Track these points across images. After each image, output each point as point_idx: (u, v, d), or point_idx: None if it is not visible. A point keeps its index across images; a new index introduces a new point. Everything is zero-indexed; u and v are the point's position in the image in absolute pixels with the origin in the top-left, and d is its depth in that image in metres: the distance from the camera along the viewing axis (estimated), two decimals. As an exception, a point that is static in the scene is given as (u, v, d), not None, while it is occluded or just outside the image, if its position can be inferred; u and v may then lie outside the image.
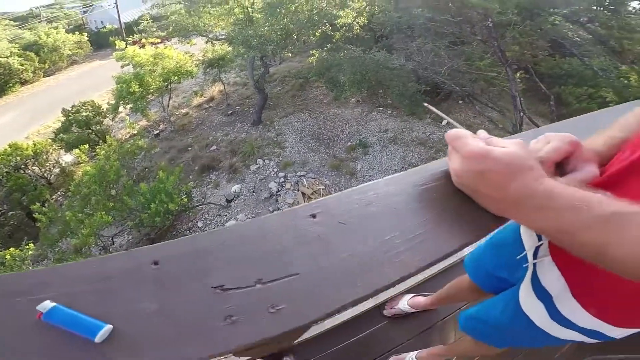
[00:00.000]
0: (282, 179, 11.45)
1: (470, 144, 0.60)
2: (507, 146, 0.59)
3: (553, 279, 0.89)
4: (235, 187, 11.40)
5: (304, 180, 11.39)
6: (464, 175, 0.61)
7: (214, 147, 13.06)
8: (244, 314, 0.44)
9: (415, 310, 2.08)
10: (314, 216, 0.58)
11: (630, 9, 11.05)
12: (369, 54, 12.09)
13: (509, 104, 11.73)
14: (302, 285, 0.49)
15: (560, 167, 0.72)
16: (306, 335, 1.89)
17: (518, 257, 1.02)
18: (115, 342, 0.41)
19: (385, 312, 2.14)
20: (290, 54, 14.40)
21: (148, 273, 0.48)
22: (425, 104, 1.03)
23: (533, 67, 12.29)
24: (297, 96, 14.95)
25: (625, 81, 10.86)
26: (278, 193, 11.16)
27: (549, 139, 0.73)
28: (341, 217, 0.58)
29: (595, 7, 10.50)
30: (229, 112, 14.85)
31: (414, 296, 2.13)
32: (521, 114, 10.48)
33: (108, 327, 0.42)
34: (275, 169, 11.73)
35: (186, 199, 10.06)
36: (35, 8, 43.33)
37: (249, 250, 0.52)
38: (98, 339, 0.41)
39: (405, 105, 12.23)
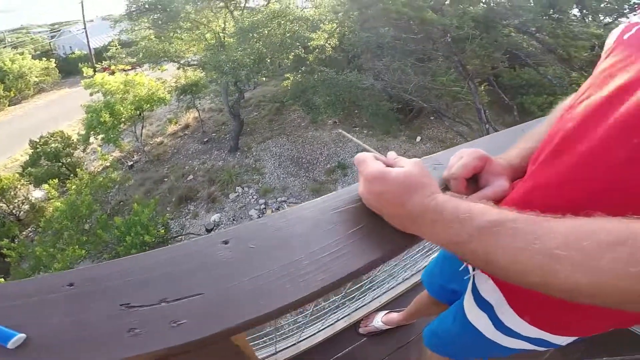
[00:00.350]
0: (263, 206, 11.32)
1: (370, 166, 0.65)
2: (404, 166, 0.64)
3: (489, 289, 0.91)
4: (215, 217, 11.18)
5: (285, 205, 11.29)
6: (368, 197, 0.66)
7: (191, 176, 12.80)
8: (146, 327, 0.50)
9: (390, 327, 2.09)
10: (226, 242, 0.63)
11: (572, 17, 11.62)
12: (342, 74, 12.23)
13: (474, 117, 12.07)
14: (205, 303, 0.53)
15: (474, 182, 0.77)
16: (281, 357, 1.95)
17: (460, 269, 1.08)
18: (28, 349, 0.47)
19: (360, 330, 2.14)
20: (264, 78, 14.40)
21: (64, 292, 0.54)
22: (340, 130, 1.05)
23: (495, 79, 12.80)
24: (274, 121, 14.92)
25: (577, 87, 11.38)
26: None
27: (461, 155, 0.77)
28: (251, 242, 0.63)
29: (541, 17, 10.98)
30: (205, 140, 14.65)
31: (387, 313, 2.15)
32: (487, 125, 10.81)
33: (21, 336, 0.48)
34: (255, 196, 11.59)
35: (163, 231, 9.82)
36: (0, 32, 42.19)
37: (159, 273, 0.57)
38: (11, 345, 0.47)
39: (380, 124, 12.44)
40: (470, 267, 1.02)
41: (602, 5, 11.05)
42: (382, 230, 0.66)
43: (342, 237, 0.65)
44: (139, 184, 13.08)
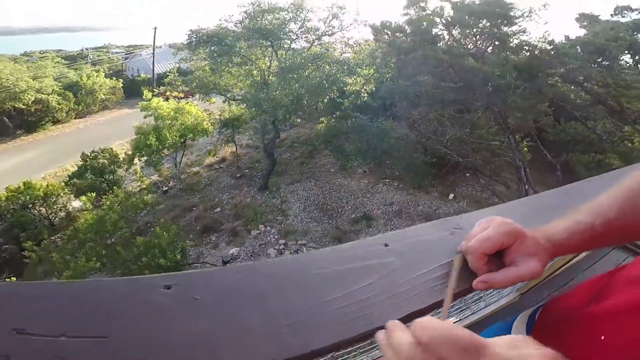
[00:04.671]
0: (282, 246, 11.30)
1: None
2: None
3: None
4: (234, 250, 11.26)
5: (304, 249, 11.21)
6: None
7: (219, 209, 13.09)
8: (26, 356, 0.46)
9: None
10: (168, 287, 0.56)
11: (622, 63, 10.77)
12: (376, 122, 12.19)
13: (513, 175, 11.31)
14: (103, 349, 0.48)
15: (498, 256, 0.65)
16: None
17: None
18: None
19: None
20: (300, 120, 14.71)
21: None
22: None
23: (538, 135, 11.82)
24: (305, 163, 15.12)
25: (629, 144, 10.19)
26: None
27: (487, 225, 0.66)
28: (198, 292, 0.56)
29: (589, 64, 10.19)
30: (238, 175, 15.04)
31: None
32: (526, 186, 10.05)
33: None
34: (276, 236, 11.60)
35: (180, 256, 9.97)
36: (86, 49, 46.76)
37: (81, 305, 0.52)
38: None
39: (412, 177, 12.07)
40: None
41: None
42: None
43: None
44: (169, 209, 13.52)
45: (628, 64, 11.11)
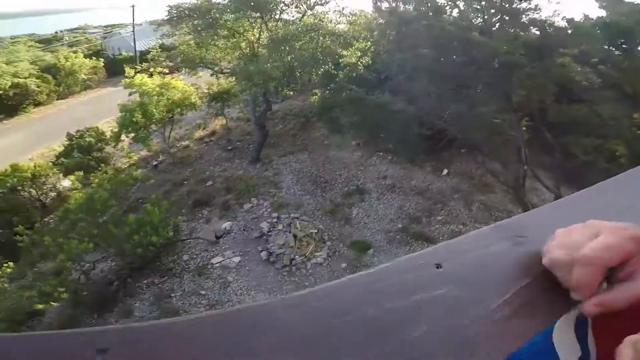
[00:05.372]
0: (275, 220, 11.24)
1: None
2: None
3: None
4: (226, 224, 11.20)
5: (297, 222, 11.17)
6: None
7: (210, 182, 12.95)
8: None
9: None
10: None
11: None
12: (372, 95, 12.02)
13: (512, 155, 11.15)
14: None
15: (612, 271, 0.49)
16: None
17: None
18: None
19: None
20: (292, 92, 14.46)
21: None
22: None
23: (539, 115, 11.45)
24: (298, 135, 14.96)
25: (638, 131, 9.87)
26: (269, 233, 10.92)
27: (598, 230, 0.50)
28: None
29: (607, 47, 9.86)
30: (229, 148, 14.87)
31: None
32: (525, 166, 9.93)
33: None
34: (269, 209, 11.54)
35: (172, 233, 9.93)
36: (61, 31, 45.37)
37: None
38: None
39: (405, 151, 12.00)
40: None
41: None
42: None
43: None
44: (160, 184, 13.37)
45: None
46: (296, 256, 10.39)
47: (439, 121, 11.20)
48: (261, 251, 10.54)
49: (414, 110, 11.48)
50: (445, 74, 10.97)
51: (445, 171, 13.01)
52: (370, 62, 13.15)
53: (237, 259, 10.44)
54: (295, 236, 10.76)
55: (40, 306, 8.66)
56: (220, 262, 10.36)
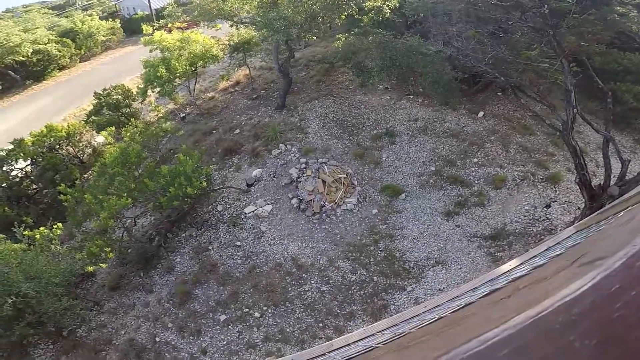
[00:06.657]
0: (304, 165, 11.27)
1: None
2: None
3: None
4: (256, 172, 11.33)
5: (325, 167, 11.15)
6: None
7: (238, 130, 13.05)
8: None
9: None
10: None
11: None
12: (401, 38, 11.53)
13: (557, 99, 10.87)
14: None
15: None
16: None
17: None
18: None
19: None
20: (315, 38, 14.01)
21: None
22: None
23: (588, 61, 11.12)
24: (322, 81, 14.64)
25: None
26: (298, 179, 10.98)
27: None
28: None
29: None
30: (254, 97, 14.79)
31: None
32: (574, 110, 9.60)
33: None
34: (297, 155, 11.56)
35: (205, 183, 10.07)
36: (72, -4, 44.78)
37: None
38: None
39: (439, 94, 11.59)
40: None
41: None
42: None
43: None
44: (189, 134, 13.59)
45: None
46: (326, 202, 10.50)
47: (477, 64, 10.73)
48: (292, 198, 10.66)
49: (450, 53, 11.05)
50: (483, 17, 10.55)
51: (481, 113, 12.58)
52: (397, 5, 12.46)
53: (268, 208, 10.62)
54: (323, 181, 10.78)
55: (90, 268, 9.04)
56: (253, 211, 10.57)
